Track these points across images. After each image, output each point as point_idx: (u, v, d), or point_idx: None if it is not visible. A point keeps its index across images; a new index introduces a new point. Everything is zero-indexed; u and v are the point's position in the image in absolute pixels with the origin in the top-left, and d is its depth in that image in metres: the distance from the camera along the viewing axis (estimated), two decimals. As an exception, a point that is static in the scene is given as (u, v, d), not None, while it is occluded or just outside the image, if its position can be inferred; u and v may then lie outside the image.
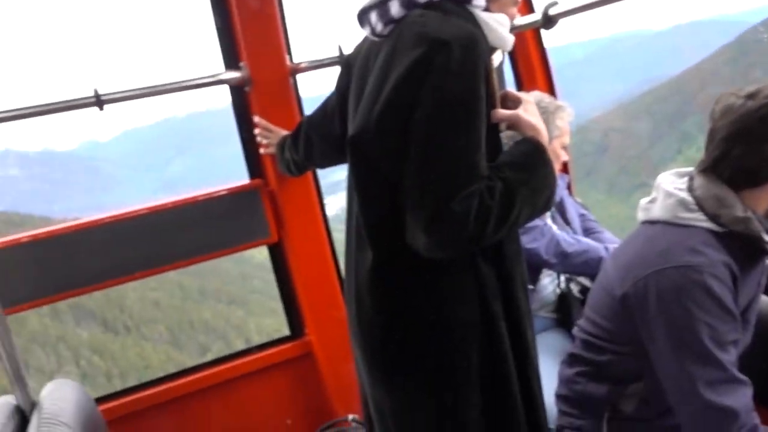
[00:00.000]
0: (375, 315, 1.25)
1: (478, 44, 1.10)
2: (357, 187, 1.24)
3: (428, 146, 1.09)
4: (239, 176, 2.24)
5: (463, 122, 1.09)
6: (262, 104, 2.05)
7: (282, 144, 1.89)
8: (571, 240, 1.95)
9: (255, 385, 2.23)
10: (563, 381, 1.55)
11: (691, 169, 1.40)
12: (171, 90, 1.97)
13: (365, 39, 1.37)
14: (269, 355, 2.24)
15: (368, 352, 1.28)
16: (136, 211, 2.01)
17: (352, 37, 1.53)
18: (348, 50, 2.07)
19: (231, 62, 2.06)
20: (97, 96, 1.82)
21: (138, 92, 1.90)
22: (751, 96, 1.28)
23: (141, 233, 2.01)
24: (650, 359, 1.34)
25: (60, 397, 1.35)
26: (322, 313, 2.22)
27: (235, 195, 2.14)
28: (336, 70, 2.16)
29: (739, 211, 1.29)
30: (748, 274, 1.35)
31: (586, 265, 1.90)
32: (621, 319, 1.38)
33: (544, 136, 1.21)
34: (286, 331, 2.35)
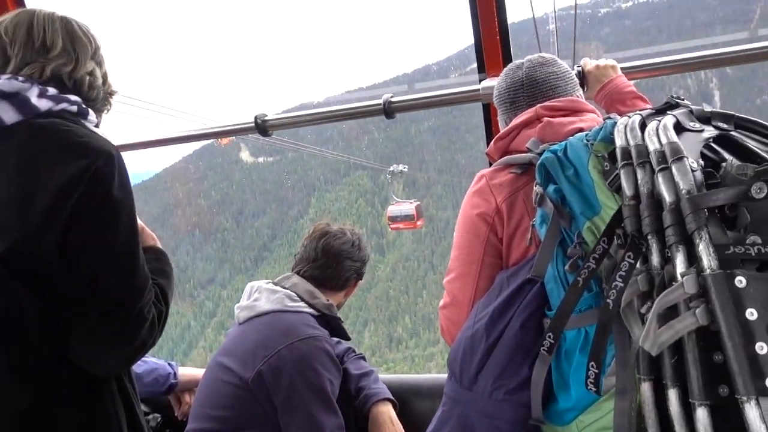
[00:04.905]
0: None
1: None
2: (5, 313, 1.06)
3: (111, 255, 1.10)
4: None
5: (136, 229, 1.14)
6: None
7: None
8: (140, 362, 1.94)
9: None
10: None
11: (277, 278, 1.89)
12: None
13: None
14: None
15: None
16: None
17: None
18: None
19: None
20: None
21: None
22: (341, 230, 1.93)
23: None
24: (280, 427, 1.61)
25: None
26: None
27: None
28: None
29: (325, 301, 1.81)
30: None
31: (156, 383, 1.98)
32: (251, 399, 1.63)
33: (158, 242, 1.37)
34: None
